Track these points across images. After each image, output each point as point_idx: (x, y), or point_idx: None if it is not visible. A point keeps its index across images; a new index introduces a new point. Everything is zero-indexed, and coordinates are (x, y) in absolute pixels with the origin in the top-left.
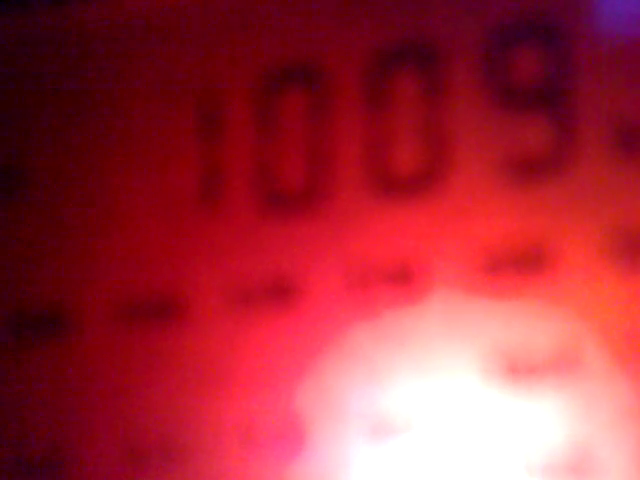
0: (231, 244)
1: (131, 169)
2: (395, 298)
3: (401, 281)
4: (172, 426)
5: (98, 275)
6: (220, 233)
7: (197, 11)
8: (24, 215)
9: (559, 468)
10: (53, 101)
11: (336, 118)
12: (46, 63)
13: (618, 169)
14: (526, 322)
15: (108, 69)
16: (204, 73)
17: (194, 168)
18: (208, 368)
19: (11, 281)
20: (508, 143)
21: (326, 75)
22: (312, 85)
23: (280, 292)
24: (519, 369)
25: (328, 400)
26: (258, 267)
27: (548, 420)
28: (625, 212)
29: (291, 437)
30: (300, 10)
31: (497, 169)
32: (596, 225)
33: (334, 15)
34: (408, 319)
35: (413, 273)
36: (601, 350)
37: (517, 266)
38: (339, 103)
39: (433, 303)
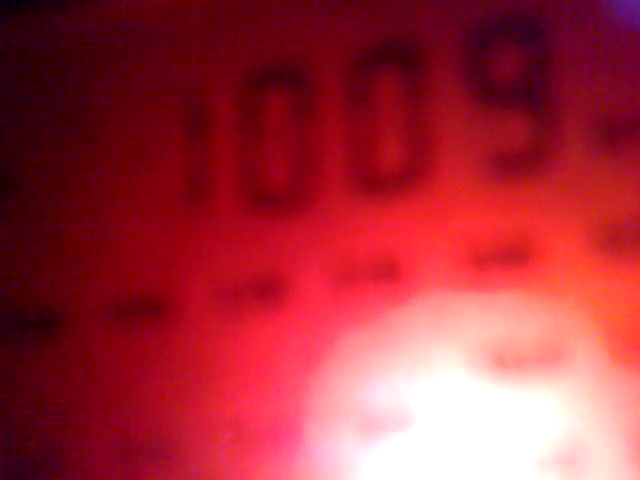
0: (219, 244)
1: (119, 171)
2: (382, 295)
3: (388, 278)
4: (165, 425)
5: (89, 276)
6: (208, 233)
7: (181, 14)
8: (16, 218)
9: (548, 460)
10: (41, 105)
11: (320, 118)
12: (33, 68)
13: (600, 163)
14: (513, 316)
15: (94, 73)
16: (189, 75)
17: (181, 169)
18: (200, 367)
19: (4, 283)
20: (491, 140)
21: (310, 76)
22: (296, 86)
23: (268, 291)
24: (507, 363)
25: (319, 398)
26: (246, 266)
27: (536, 413)
28: (608, 206)
29: (282, 435)
30: (283, 12)
31: (480, 165)
32: (580, 219)
33: (317, 16)
34: (396, 316)
35: (400, 270)
36: (587, 343)
37: (503, 261)
38: (323, 103)
39: (420, 299)
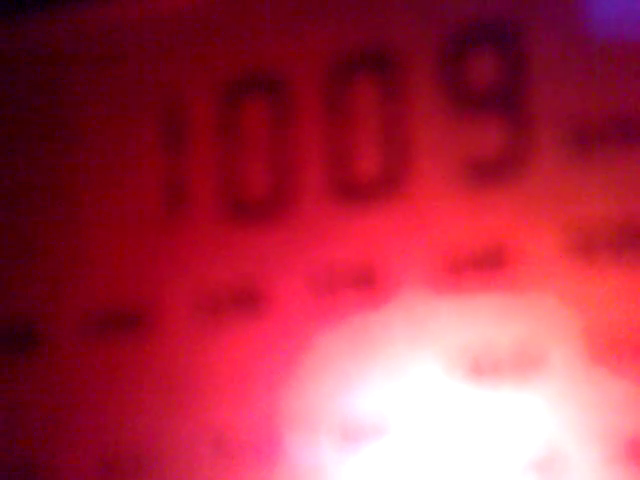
0: (198, 254)
1: (98, 182)
2: (361, 302)
3: (366, 285)
4: (145, 437)
5: (67, 289)
6: (186, 243)
7: (160, 26)
8: None
9: (526, 464)
10: (18, 114)
11: (298, 126)
12: (11, 76)
13: (574, 169)
14: (490, 321)
15: (73, 82)
16: (168, 85)
17: (160, 180)
18: (179, 379)
19: None
20: (467, 146)
21: (287, 84)
22: (274, 94)
23: (248, 300)
24: (484, 368)
25: (299, 406)
26: (225, 276)
27: (513, 417)
28: (582, 210)
29: (263, 445)
30: (260, 23)
31: (456, 172)
32: (554, 224)
33: (294, 26)
34: (374, 322)
35: (377, 277)
36: (563, 347)
37: (479, 266)
38: (301, 112)
39: (398, 306)
